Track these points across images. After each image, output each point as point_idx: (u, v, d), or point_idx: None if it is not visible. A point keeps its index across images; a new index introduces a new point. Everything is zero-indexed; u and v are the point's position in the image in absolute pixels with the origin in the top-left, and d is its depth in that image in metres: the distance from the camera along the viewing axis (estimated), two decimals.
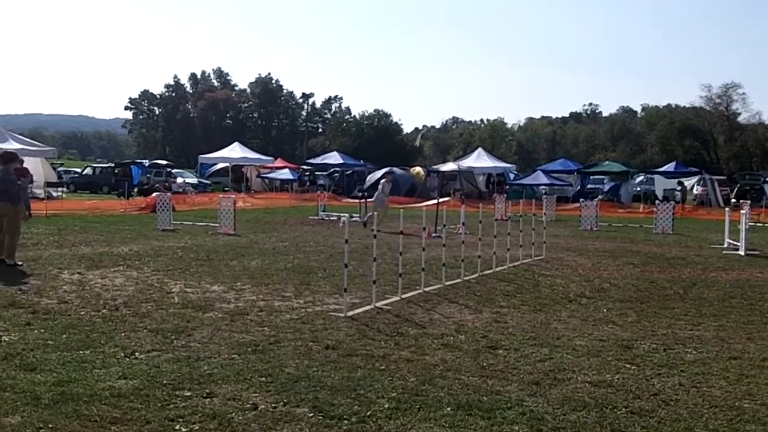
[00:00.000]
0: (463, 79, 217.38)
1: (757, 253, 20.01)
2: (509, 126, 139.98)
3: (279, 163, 59.89)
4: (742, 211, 21.17)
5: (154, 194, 30.22)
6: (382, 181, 26.30)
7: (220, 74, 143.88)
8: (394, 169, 47.52)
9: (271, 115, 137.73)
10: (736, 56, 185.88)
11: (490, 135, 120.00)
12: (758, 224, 30.30)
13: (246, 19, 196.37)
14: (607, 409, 6.62)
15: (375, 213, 17.96)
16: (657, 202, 32.00)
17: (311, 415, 6.22)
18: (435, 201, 27.62)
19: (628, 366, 8.15)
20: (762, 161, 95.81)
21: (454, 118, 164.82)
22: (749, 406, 6.85)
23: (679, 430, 6.17)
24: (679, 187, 45.15)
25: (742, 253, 19.77)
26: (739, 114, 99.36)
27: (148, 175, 49.70)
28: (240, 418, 6.11)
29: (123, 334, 8.80)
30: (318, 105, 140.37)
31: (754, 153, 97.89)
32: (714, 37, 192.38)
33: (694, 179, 48.92)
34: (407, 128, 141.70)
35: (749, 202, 27.96)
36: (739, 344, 9.35)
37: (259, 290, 12.12)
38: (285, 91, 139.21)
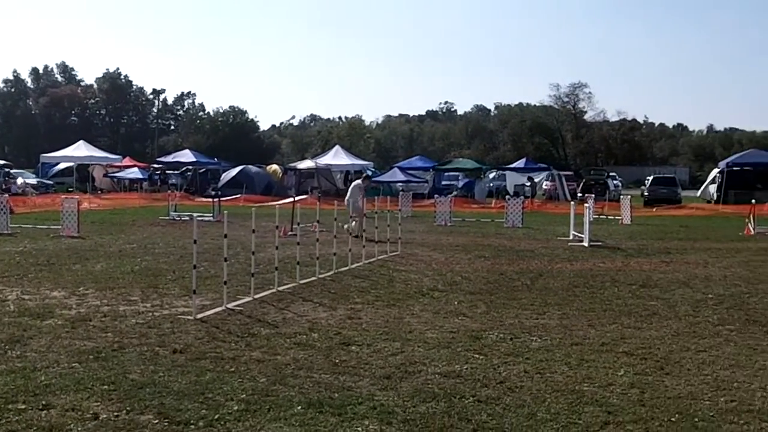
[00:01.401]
0: (321, 76, 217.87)
1: (599, 244, 20.96)
2: (367, 124, 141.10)
3: (127, 161, 57.99)
4: (586, 205, 22.12)
5: None
6: (357, 183, 24.06)
7: (65, 69, 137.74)
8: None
9: (120, 112, 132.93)
10: (583, 56, 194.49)
11: (348, 133, 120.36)
12: (602, 217, 31.80)
13: (92, 11, 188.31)
14: (455, 399, 6.75)
15: (355, 222, 19.89)
16: (507, 197, 33.01)
17: (156, 421, 6.02)
18: (290, 199, 27.44)
19: (477, 356, 8.34)
20: (606, 157, 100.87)
21: (312, 115, 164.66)
22: (588, 389, 7.16)
23: (523, 415, 6.36)
24: (528, 183, 46.72)
25: (586, 244, 20.65)
26: (585, 112, 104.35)
27: None
28: (79, 428, 5.83)
29: None
30: (170, 102, 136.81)
31: (599, 149, 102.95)
32: (562, 38, 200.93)
33: (544, 175, 50.78)
34: (264, 125, 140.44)
35: (594, 196, 29.38)
36: (581, 331, 9.77)
37: (104, 295, 11.65)
38: (135, 87, 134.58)
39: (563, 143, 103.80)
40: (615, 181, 55.96)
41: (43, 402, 6.41)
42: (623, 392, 7.07)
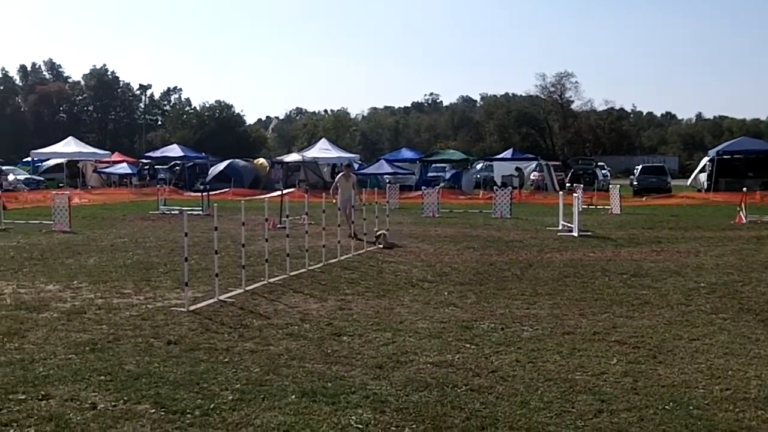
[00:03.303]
0: (305, 69, 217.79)
1: (589, 234, 21.05)
2: (353, 116, 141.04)
3: (116, 157, 57.85)
4: (575, 195, 22.19)
5: None
6: (340, 176, 21.42)
7: (52, 66, 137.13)
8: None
9: (107, 108, 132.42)
10: (569, 46, 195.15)
11: (334, 125, 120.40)
12: (590, 207, 31.90)
13: (78, 7, 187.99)
14: (447, 388, 6.83)
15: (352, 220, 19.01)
16: (495, 188, 33.09)
17: (153, 411, 6.10)
18: (279, 192, 27.48)
19: (468, 345, 8.43)
20: (594, 146, 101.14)
21: (297, 108, 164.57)
22: (581, 377, 7.24)
23: (516, 404, 6.44)
24: (516, 173, 46.79)
25: (575, 234, 20.73)
26: (572, 102, 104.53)
27: None
28: (78, 418, 5.91)
29: None
30: (156, 97, 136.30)
31: (586, 139, 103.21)
32: (548, 28, 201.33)
33: (532, 165, 50.81)
34: (250, 119, 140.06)
35: (582, 186, 29.44)
36: (572, 320, 9.85)
37: (97, 288, 11.71)
38: (121, 82, 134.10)
39: (550, 133, 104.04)
40: (603, 171, 56.19)
41: (42, 392, 6.49)
42: (616, 381, 7.14)
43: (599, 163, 58.57)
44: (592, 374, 7.35)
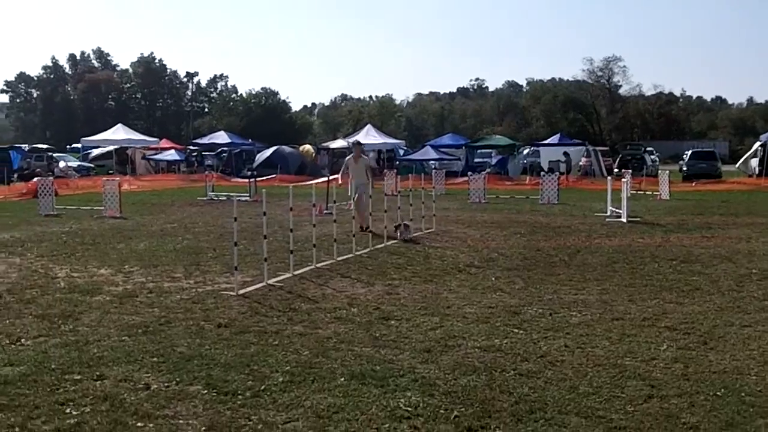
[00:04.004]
0: (351, 55, 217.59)
1: (638, 219, 20.81)
2: (398, 102, 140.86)
3: (164, 144, 58.47)
4: (623, 180, 21.96)
5: (36, 179, 29.12)
6: (349, 158, 18.73)
7: (101, 54, 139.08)
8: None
9: (154, 96, 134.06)
10: (617, 29, 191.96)
11: (379, 111, 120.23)
12: (639, 192, 31.52)
13: None
14: (496, 372, 6.83)
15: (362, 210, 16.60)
16: (542, 173, 32.84)
17: (205, 392, 6.20)
18: (325, 178, 27.60)
19: (516, 331, 8.40)
20: (643, 132, 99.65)
21: (343, 95, 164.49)
22: (630, 363, 7.18)
23: (565, 388, 6.42)
24: (564, 158, 46.34)
25: (624, 220, 20.52)
26: (620, 86, 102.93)
27: (29, 160, 47.76)
28: (132, 398, 6.03)
29: (8, 321, 8.53)
30: (203, 84, 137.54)
31: (634, 124, 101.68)
32: (596, 11, 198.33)
33: (582, 150, 50.18)
34: (296, 106, 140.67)
35: (631, 171, 29.08)
36: (621, 306, 9.75)
37: (148, 272, 11.90)
38: (168, 70, 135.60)
39: (598, 118, 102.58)
40: (652, 156, 55.36)
41: (97, 373, 6.64)
42: (666, 366, 7.07)
43: (648, 149, 57.69)
44: (642, 360, 7.29)
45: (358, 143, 19.46)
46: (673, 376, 6.78)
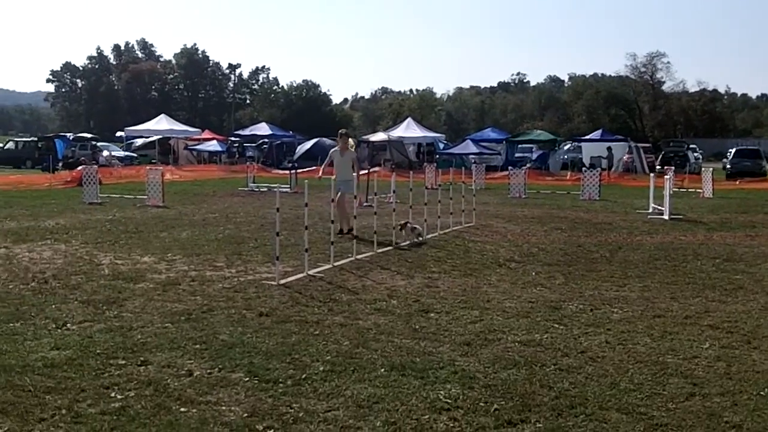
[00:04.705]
0: (392, 49, 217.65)
1: (680, 217, 20.59)
2: (438, 96, 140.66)
3: (206, 134, 59.06)
4: (666, 177, 21.73)
5: (80, 167, 29.58)
6: (334, 150, 16.59)
7: (145, 45, 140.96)
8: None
9: (197, 87, 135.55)
10: (661, 25, 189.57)
11: (420, 105, 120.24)
12: (681, 190, 31.17)
13: None
14: (536, 367, 6.81)
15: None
16: (584, 169, 32.58)
17: (247, 379, 6.27)
18: (365, 171, 27.65)
19: (556, 326, 8.37)
20: (686, 129, 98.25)
21: (383, 88, 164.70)
22: (672, 360, 7.12)
23: (606, 384, 6.39)
24: (606, 154, 45.88)
25: (666, 217, 20.30)
26: (664, 83, 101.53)
27: (73, 149, 48.53)
28: (176, 384, 6.12)
29: (53, 306, 8.69)
30: (245, 76, 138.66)
31: (678, 121, 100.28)
32: (639, 5, 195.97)
33: (624, 147, 49.59)
34: (336, 99, 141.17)
35: (673, 168, 28.76)
36: (663, 303, 9.68)
37: (191, 261, 12.03)
38: (211, 62, 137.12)
39: (640, 115, 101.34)
40: (695, 154, 54.60)
41: (141, 358, 6.74)
42: (709, 365, 7.01)
43: (691, 146, 56.92)
44: (684, 358, 7.23)
45: (346, 133, 17.06)
46: (716, 375, 6.71)
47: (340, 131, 17.15)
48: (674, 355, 7.30)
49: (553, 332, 8.09)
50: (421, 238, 14.41)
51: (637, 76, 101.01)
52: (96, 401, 5.69)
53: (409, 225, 14.42)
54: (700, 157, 57.55)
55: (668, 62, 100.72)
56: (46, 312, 8.41)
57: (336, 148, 16.64)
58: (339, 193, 14.85)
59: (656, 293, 10.34)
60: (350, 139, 17.61)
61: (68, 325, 7.87)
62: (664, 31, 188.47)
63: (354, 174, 15.94)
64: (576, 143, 53.64)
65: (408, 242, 14.00)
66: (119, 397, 5.80)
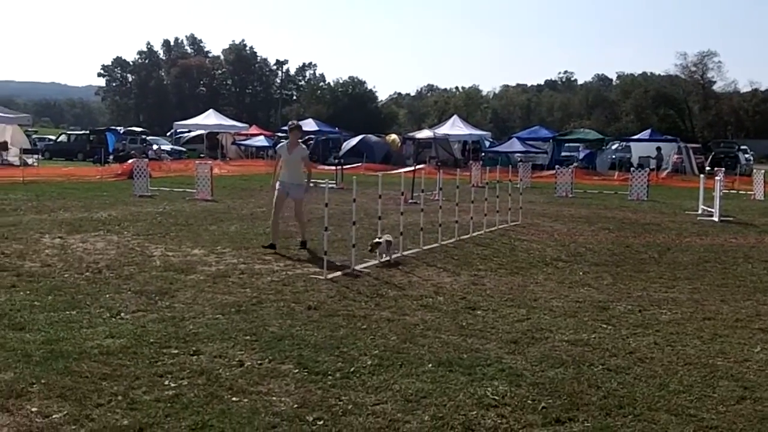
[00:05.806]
0: (438, 46, 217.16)
1: (730, 219, 20.30)
2: (484, 94, 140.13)
3: (254, 130, 59.54)
4: (716, 179, 21.43)
5: (131, 161, 30.07)
6: (282, 146, 13.88)
7: (194, 41, 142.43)
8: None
9: (245, 83, 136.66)
10: (713, 24, 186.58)
11: (465, 103, 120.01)
12: (732, 192, 30.68)
13: None
14: (584, 366, 6.80)
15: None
16: (632, 169, 32.23)
17: (296, 371, 6.36)
18: (411, 168, 27.69)
19: (604, 326, 8.34)
20: (736, 130, 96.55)
21: (429, 85, 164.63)
22: (722, 363, 7.06)
23: (654, 385, 6.35)
24: (655, 154, 45.27)
25: (716, 219, 20.04)
26: (715, 82, 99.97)
27: (124, 142, 49.33)
28: (227, 374, 6.23)
29: (107, 296, 8.88)
30: (292, 72, 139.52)
31: (728, 121, 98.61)
32: (691, 5, 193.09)
33: (674, 147, 48.90)
34: (382, 96, 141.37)
35: (723, 170, 28.33)
36: (713, 306, 9.57)
37: (240, 254, 12.19)
38: (259, 58, 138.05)
39: (690, 115, 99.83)
40: (746, 155, 53.67)
41: (193, 348, 6.87)
42: (760, 369, 6.93)
43: (742, 147, 55.94)
44: (735, 361, 7.15)
45: (297, 126, 13.72)
46: (767, 379, 6.63)
47: (289, 123, 14.08)
48: (724, 358, 7.23)
49: (601, 332, 8.06)
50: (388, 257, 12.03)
51: (687, 75, 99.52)
52: (150, 389, 5.82)
53: (385, 240, 11.90)
54: (752, 158, 56.53)
55: (719, 61, 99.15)
56: (101, 301, 8.60)
57: (283, 143, 14.07)
58: (277, 196, 13.11)
59: (706, 295, 10.23)
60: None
61: (122, 314, 8.04)
62: (715, 30, 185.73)
63: (305, 176, 13.33)
64: (624, 143, 52.99)
65: (387, 258, 11.96)
66: (173, 385, 5.92)
